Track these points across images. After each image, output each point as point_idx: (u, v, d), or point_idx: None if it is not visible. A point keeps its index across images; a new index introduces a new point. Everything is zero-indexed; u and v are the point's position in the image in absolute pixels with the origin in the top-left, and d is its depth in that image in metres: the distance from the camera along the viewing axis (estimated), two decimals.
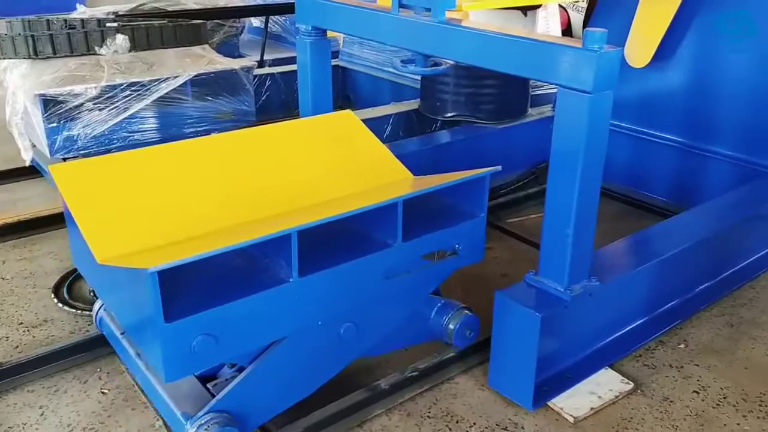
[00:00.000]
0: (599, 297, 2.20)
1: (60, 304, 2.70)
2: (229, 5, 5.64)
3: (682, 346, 2.50)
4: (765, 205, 2.91)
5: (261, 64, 5.22)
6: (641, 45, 3.29)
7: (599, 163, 1.99)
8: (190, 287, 1.70)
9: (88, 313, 2.59)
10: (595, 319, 2.28)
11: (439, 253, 2.10)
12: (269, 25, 5.55)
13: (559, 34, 4.50)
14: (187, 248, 1.71)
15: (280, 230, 1.65)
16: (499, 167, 2.07)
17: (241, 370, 1.92)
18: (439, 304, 2.28)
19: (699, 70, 3.28)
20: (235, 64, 3.80)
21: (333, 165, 2.28)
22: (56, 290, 2.79)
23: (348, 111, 2.59)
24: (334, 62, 5.32)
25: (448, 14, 2.28)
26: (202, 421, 1.75)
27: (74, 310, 2.65)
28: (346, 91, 5.43)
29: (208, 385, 1.96)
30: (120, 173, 2.02)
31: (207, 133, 3.68)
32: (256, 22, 6.38)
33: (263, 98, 4.95)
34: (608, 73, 1.86)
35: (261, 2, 6.35)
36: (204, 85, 3.65)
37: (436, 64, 2.57)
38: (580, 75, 1.85)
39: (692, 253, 2.57)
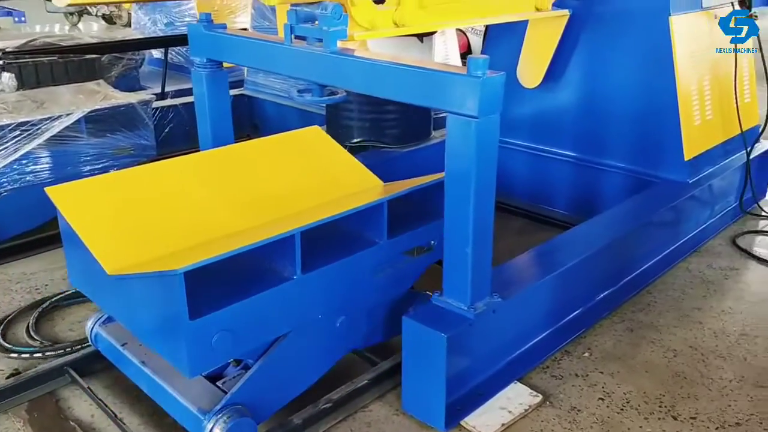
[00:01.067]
0: (503, 313, 2.25)
1: None
2: (127, 38, 5.51)
3: (586, 354, 2.58)
4: (656, 213, 3.06)
5: (162, 96, 5.11)
6: (532, 66, 3.42)
7: (491, 183, 2.05)
8: (202, 289, 1.80)
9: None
10: (501, 334, 2.33)
11: (416, 250, 2.33)
12: (170, 56, 5.45)
13: (458, 57, 4.62)
14: (193, 255, 1.82)
15: (285, 232, 1.86)
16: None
17: (245, 368, 2.08)
18: (417, 298, 2.42)
19: (587, 88, 3.44)
20: (132, 98, 3.70)
21: (311, 175, 2.49)
22: None
23: (316, 127, 2.77)
24: (239, 91, 5.32)
25: (342, 44, 2.31)
26: (220, 415, 1.87)
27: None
28: (253, 119, 5.39)
29: (218, 384, 2.04)
30: (114, 191, 2.16)
31: (106, 170, 3.57)
32: (156, 53, 6.25)
33: (166, 131, 4.83)
34: (493, 98, 1.92)
35: (161, 34, 6.27)
36: (99, 121, 3.54)
37: (333, 93, 2.58)
38: (466, 101, 1.90)
39: (591, 263, 2.67)
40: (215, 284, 1.88)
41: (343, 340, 2.25)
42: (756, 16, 3.56)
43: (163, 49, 5.34)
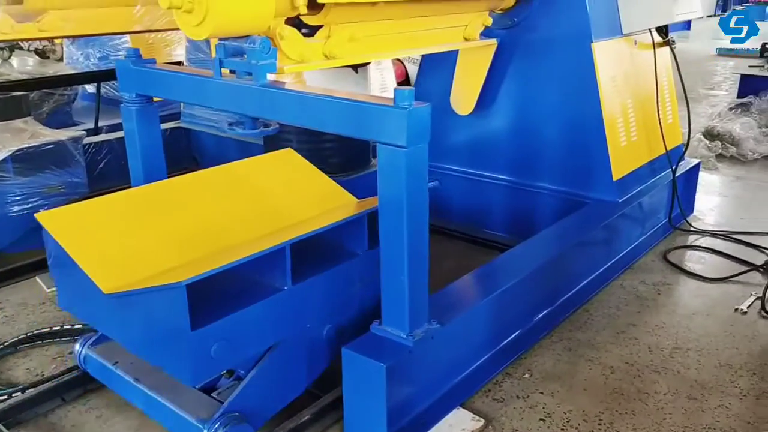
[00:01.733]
0: (442, 339, 2.26)
1: None
2: (58, 73, 5.38)
3: (527, 375, 2.62)
4: (588, 233, 3.15)
5: (96, 131, 4.99)
6: (464, 94, 3.50)
7: (423, 210, 2.07)
8: (197, 302, 1.85)
9: None
10: (442, 360, 2.33)
11: None
12: (104, 90, 5.34)
13: (395, 86, 4.69)
14: (185, 272, 1.89)
15: (276, 245, 1.98)
16: (437, 182, 2.63)
17: (238, 378, 2.21)
18: None
19: (518, 113, 3.53)
20: (61, 135, 3.62)
21: (289, 194, 2.60)
22: None
23: (289, 149, 2.84)
24: (176, 124, 5.25)
25: (274, 76, 2.33)
26: (219, 423, 1.95)
27: None
28: (191, 152, 5.31)
29: (213, 395, 2.14)
30: (102, 214, 2.25)
31: (36, 210, 3.46)
32: (90, 87, 6.12)
33: (101, 166, 4.72)
34: (420, 128, 1.95)
35: (94, 68, 6.14)
36: (27, 160, 3.44)
37: (267, 125, 2.57)
38: (394, 131, 1.93)
39: (527, 284, 2.71)
40: (208, 298, 1.94)
41: (330, 347, 2.32)
42: (674, 43, 3.75)
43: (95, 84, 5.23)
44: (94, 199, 2.33)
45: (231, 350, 1.95)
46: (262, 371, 2.09)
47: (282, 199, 2.56)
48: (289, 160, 2.81)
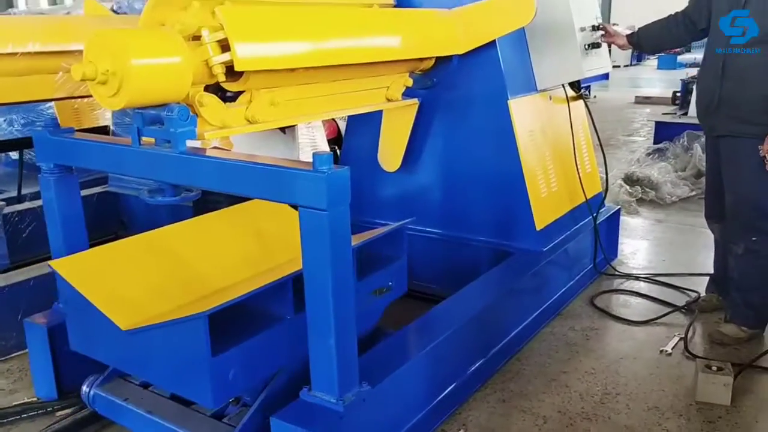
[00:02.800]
0: (374, 400, 2.24)
1: None
2: None
3: (462, 431, 2.61)
4: (515, 282, 3.22)
5: (19, 199, 4.84)
6: (390, 151, 3.57)
7: (348, 272, 2.08)
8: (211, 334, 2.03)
9: None
10: (375, 422, 2.31)
11: (378, 290, 2.68)
12: (28, 156, 5.19)
13: (326, 145, 4.73)
14: (195, 308, 2.16)
15: (279, 278, 2.21)
16: (413, 218, 2.91)
17: (244, 405, 2.38)
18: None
19: (444, 168, 3.62)
20: None
21: (276, 235, 2.83)
22: None
23: None
24: (103, 188, 5.13)
25: (208, 137, 2.34)
26: None
27: None
28: (120, 216, 5.19)
29: (223, 421, 2.33)
30: (111, 260, 2.49)
31: None
32: (14, 154, 5.95)
33: (25, 235, 4.56)
34: (340, 191, 1.97)
35: (18, 135, 5.99)
36: None
37: (189, 190, 2.55)
38: (314, 195, 1.95)
39: (459, 337, 2.73)
40: (217, 330, 2.06)
41: None
42: (588, 96, 3.94)
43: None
44: (99, 247, 2.58)
45: (245, 375, 2.16)
46: (269, 396, 2.28)
47: (271, 240, 2.83)
48: (271, 206, 2.86)
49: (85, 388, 2.55)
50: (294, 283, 2.25)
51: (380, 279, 2.68)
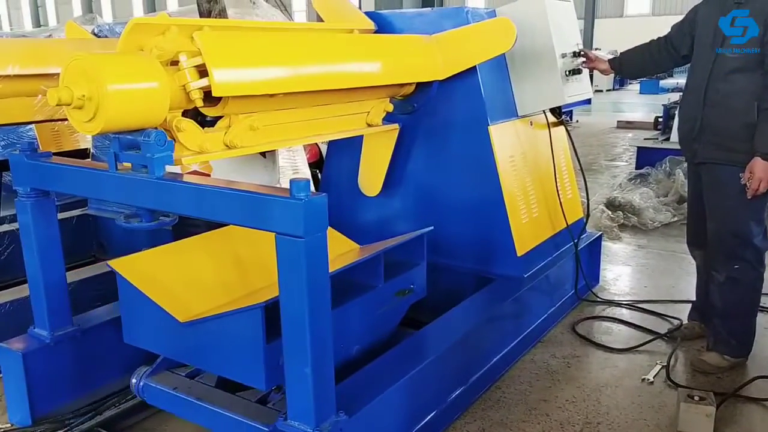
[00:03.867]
0: (351, 430, 2.20)
1: None
2: None
3: None
4: (495, 309, 3.20)
5: None
6: (370, 176, 3.56)
7: (325, 299, 2.05)
8: None
9: None
10: None
11: (401, 292, 2.91)
12: (8, 178, 5.14)
13: (307, 168, 4.72)
14: (239, 304, 2.44)
15: None
16: (432, 227, 3.05)
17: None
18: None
19: (425, 193, 3.62)
20: None
21: None
22: None
23: None
24: (82, 211, 5.08)
25: (186, 163, 2.32)
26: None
27: None
28: (99, 238, 5.14)
29: (268, 405, 2.50)
30: (163, 261, 2.72)
31: None
32: None
33: (3, 257, 4.49)
34: (317, 218, 1.96)
35: None
36: None
37: (165, 215, 2.53)
38: (291, 222, 1.93)
39: (438, 365, 2.71)
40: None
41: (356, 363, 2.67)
42: (570, 122, 3.97)
43: None
44: (149, 250, 2.79)
45: None
46: None
47: None
48: None
49: (134, 380, 2.71)
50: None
51: (403, 281, 2.93)
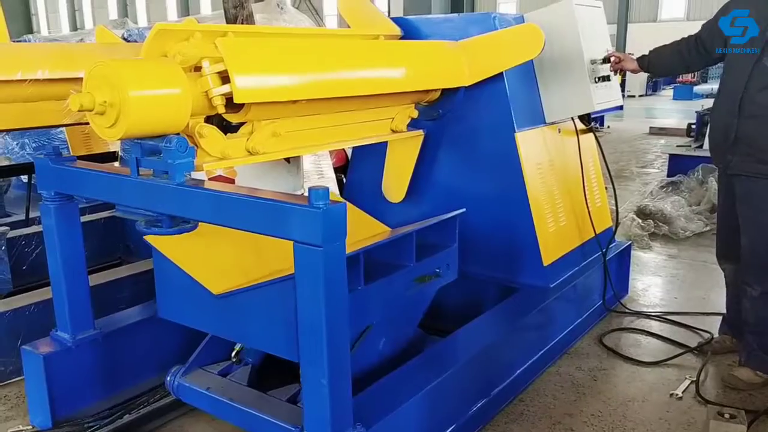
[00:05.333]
0: None
1: None
2: None
3: None
4: (520, 320, 3.14)
5: (27, 223, 4.85)
6: (394, 182, 3.53)
7: (343, 309, 2.02)
8: None
9: None
10: None
11: (427, 277, 2.79)
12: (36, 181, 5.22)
13: (332, 173, 4.70)
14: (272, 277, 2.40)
15: (352, 251, 2.24)
16: (464, 209, 2.92)
17: None
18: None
19: (449, 200, 3.54)
20: None
21: None
22: None
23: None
24: (110, 213, 5.13)
25: (208, 168, 2.32)
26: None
27: None
28: (126, 241, 5.19)
29: (297, 404, 2.46)
30: (195, 240, 2.63)
31: None
32: (24, 177, 5.99)
33: (32, 258, 4.55)
34: (336, 226, 1.93)
35: (30, 158, 6.03)
36: None
37: (186, 221, 2.52)
38: (310, 231, 1.91)
39: (460, 376, 2.66)
40: None
41: (381, 357, 2.76)
42: (599, 128, 3.88)
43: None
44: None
45: None
46: None
47: None
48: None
49: (169, 378, 2.75)
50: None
51: (436, 261, 2.84)
